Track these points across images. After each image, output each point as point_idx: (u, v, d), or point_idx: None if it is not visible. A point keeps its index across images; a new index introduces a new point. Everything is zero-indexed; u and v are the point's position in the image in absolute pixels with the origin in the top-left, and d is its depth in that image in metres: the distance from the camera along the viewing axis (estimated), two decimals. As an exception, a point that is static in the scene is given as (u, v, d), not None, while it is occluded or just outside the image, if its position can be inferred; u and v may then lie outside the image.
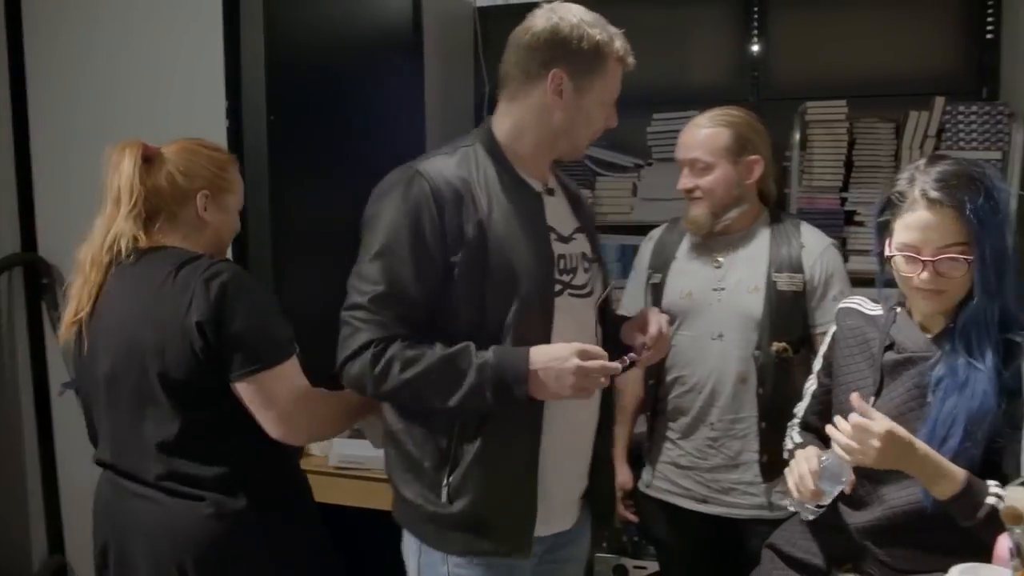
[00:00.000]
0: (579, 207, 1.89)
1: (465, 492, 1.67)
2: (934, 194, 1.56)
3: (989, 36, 3.34)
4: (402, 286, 1.62)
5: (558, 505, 1.79)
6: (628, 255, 3.40)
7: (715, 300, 2.23)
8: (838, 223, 3.12)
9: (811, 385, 1.91)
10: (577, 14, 1.69)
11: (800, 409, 1.92)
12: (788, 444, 1.89)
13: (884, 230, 1.67)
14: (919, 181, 1.59)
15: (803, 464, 1.61)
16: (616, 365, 1.64)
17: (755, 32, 3.57)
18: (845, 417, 1.72)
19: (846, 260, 2.99)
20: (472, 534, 1.68)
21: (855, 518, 1.69)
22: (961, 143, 3.00)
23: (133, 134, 2.68)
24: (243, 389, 1.71)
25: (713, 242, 2.28)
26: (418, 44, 3.35)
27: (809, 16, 3.53)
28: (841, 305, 1.89)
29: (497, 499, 1.68)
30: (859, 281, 2.50)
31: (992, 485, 1.48)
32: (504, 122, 1.74)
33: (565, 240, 1.78)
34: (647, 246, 2.45)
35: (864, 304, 1.83)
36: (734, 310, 2.21)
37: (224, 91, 2.57)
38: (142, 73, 2.73)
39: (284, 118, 2.61)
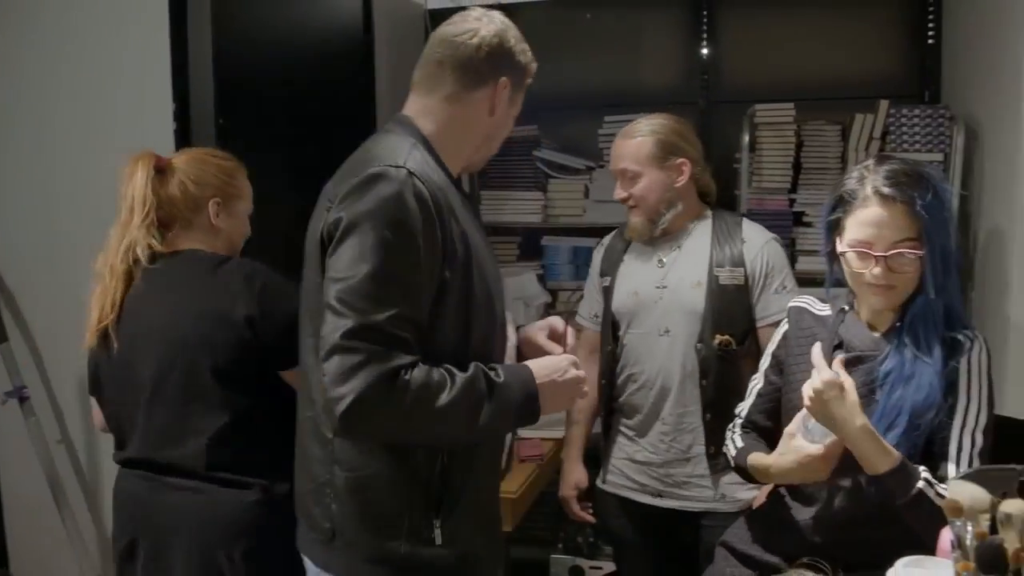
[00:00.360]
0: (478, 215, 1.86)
1: (460, 531, 1.58)
2: (886, 190, 1.61)
3: (931, 41, 3.43)
4: (413, 303, 1.46)
5: None
6: (580, 257, 3.43)
7: (659, 297, 2.32)
8: (787, 224, 3.17)
9: (757, 384, 1.93)
10: (509, 23, 1.69)
11: (743, 408, 1.94)
12: (730, 448, 1.90)
13: (834, 229, 1.71)
14: (870, 179, 1.64)
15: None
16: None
17: (705, 36, 3.62)
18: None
19: (795, 261, 3.05)
20: (467, 573, 1.63)
21: (806, 514, 1.72)
22: (905, 145, 3.06)
23: (76, 137, 2.66)
24: (294, 377, 1.77)
25: (656, 243, 2.37)
26: (369, 46, 3.33)
27: (758, 20, 3.59)
28: (792, 304, 1.92)
29: (487, 534, 1.67)
30: (808, 281, 2.55)
31: (923, 470, 1.53)
32: (429, 122, 1.64)
33: None
34: (598, 253, 2.54)
35: (813, 304, 1.86)
36: (677, 305, 2.29)
37: (171, 93, 2.52)
38: (85, 75, 2.67)
39: (234, 121, 2.57)
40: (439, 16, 3.81)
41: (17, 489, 2.98)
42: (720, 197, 2.56)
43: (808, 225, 3.19)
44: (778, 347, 1.90)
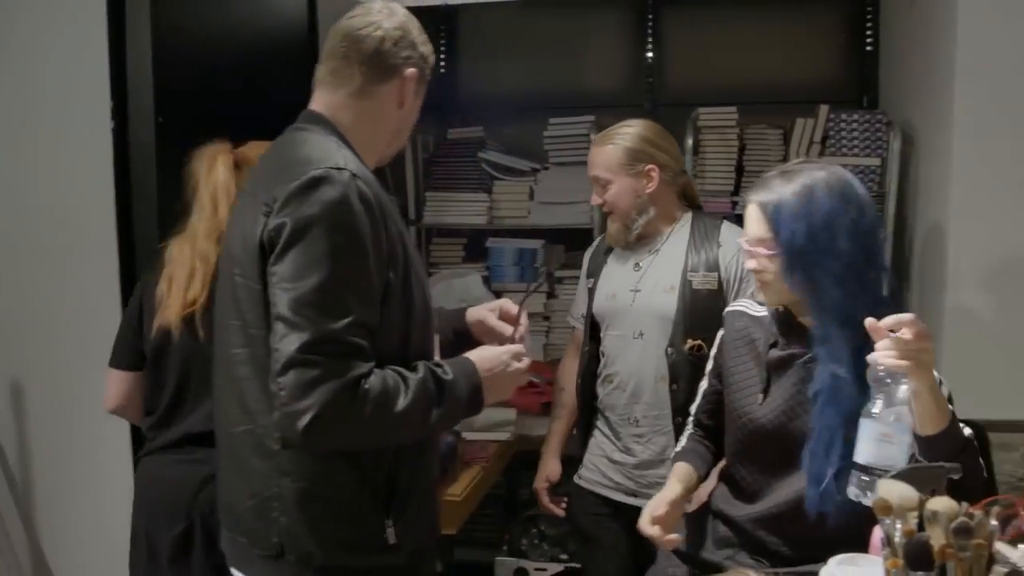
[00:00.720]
0: None
1: (410, 529, 1.57)
2: (750, 194, 1.69)
3: (869, 48, 3.50)
4: (367, 308, 1.44)
5: None
6: (526, 259, 3.44)
7: (633, 300, 2.34)
8: (730, 226, 3.21)
9: (703, 385, 1.97)
10: (409, 14, 1.67)
11: (693, 408, 1.99)
12: (677, 445, 1.96)
13: None
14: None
15: None
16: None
17: (650, 39, 3.65)
18: (737, 419, 1.78)
19: (738, 262, 3.07)
20: (418, 570, 1.62)
21: (747, 510, 1.74)
22: (844, 150, 3.11)
23: (8, 136, 2.58)
24: None
25: (635, 247, 2.39)
26: (314, 45, 3.30)
27: (702, 25, 3.65)
28: (728, 308, 1.95)
29: (432, 530, 1.67)
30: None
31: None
32: (342, 119, 1.60)
33: None
34: (587, 254, 2.59)
35: (751, 306, 1.89)
36: (650, 309, 2.30)
37: (109, 91, 2.47)
38: (19, 71, 2.59)
39: (174, 120, 2.53)
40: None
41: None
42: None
43: (750, 227, 3.22)
44: (717, 351, 1.93)
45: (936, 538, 1.09)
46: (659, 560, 1.89)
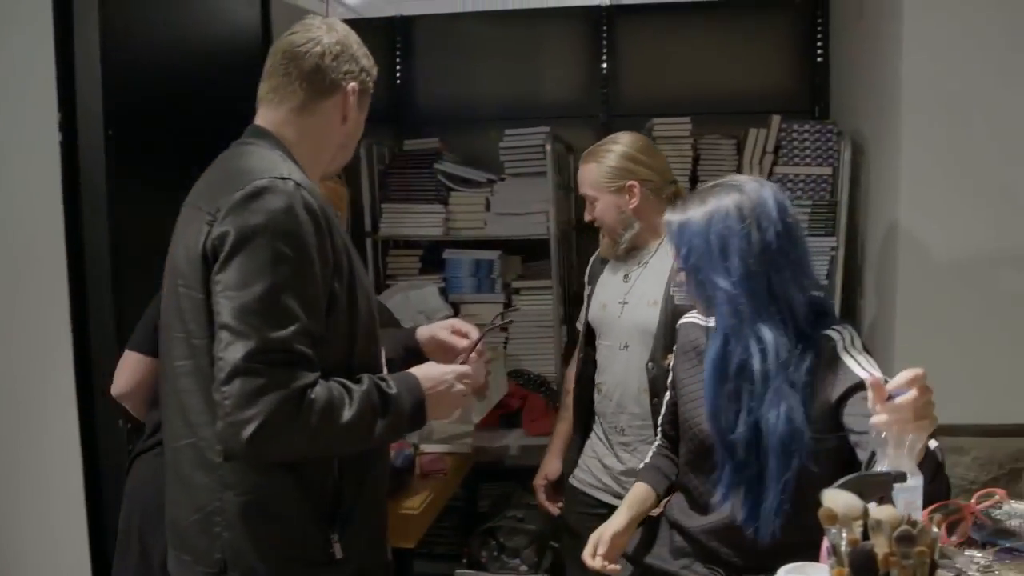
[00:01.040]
0: None
1: (356, 543, 1.56)
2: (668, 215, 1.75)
3: (820, 59, 3.55)
4: (312, 317, 1.43)
5: None
6: (482, 270, 3.43)
7: (620, 312, 2.38)
8: (684, 236, 3.23)
9: (667, 396, 2.00)
10: (349, 30, 1.68)
11: (660, 419, 2.02)
12: (644, 460, 2.02)
13: None
14: None
15: None
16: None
17: (605, 51, 3.68)
18: (688, 430, 1.79)
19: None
20: None
21: (700, 521, 1.76)
22: (796, 159, 3.15)
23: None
24: None
25: (627, 258, 2.43)
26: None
27: (656, 37, 3.69)
28: (681, 320, 1.97)
29: (379, 544, 1.66)
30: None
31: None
32: (286, 134, 1.61)
33: None
34: (591, 262, 2.62)
35: (702, 317, 1.90)
36: (635, 322, 2.34)
37: (56, 102, 2.43)
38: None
39: (124, 132, 2.49)
40: (339, 27, 3.85)
41: None
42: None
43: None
44: (673, 363, 1.95)
45: (880, 546, 1.10)
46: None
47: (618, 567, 1.81)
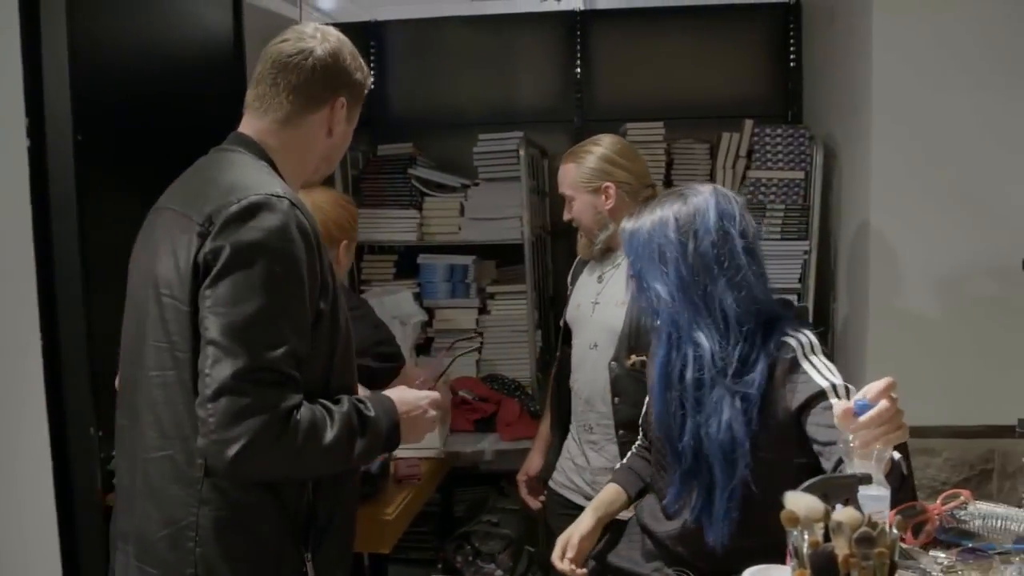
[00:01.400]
0: None
1: (328, 562, 1.55)
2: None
3: (792, 64, 3.58)
4: (301, 338, 1.43)
5: None
6: (456, 275, 3.43)
7: (592, 312, 2.40)
8: (658, 240, 3.24)
9: (647, 397, 1.98)
10: (344, 39, 1.65)
11: (641, 419, 2.02)
12: (622, 460, 2.04)
13: None
14: None
15: None
16: None
17: (579, 56, 3.69)
18: (652, 432, 1.80)
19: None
20: None
21: (667, 526, 1.76)
22: (769, 163, 3.17)
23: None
24: None
25: (602, 259, 2.46)
26: (239, 61, 3.27)
27: (629, 42, 3.70)
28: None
29: (347, 563, 1.65)
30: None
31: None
32: (271, 142, 1.60)
33: None
34: (574, 264, 2.64)
35: None
36: (603, 322, 2.35)
37: (24, 107, 2.40)
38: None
39: (94, 138, 2.47)
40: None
41: None
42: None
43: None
44: (648, 365, 1.96)
45: (840, 548, 1.11)
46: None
47: (585, 571, 1.83)
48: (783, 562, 1.38)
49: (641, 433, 2.02)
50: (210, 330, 1.37)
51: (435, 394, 1.67)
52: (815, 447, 1.56)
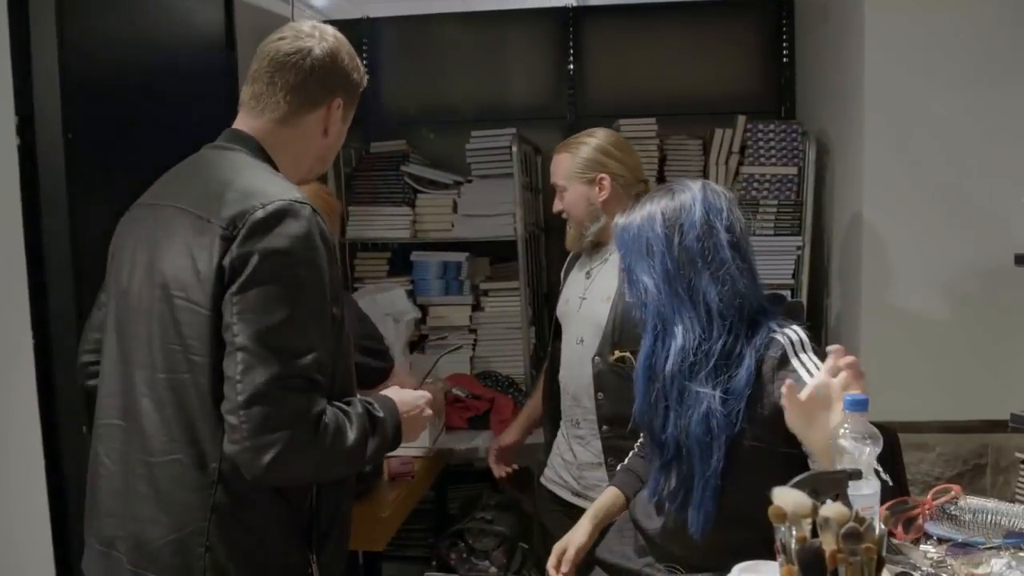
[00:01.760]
0: None
1: (332, 565, 1.57)
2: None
3: (785, 59, 3.58)
4: (325, 344, 1.45)
5: None
6: (450, 272, 3.43)
7: (579, 307, 2.39)
8: (651, 236, 3.25)
9: None
10: (341, 39, 1.64)
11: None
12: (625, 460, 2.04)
13: None
14: None
15: None
16: None
17: (572, 52, 3.69)
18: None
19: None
20: None
21: (657, 523, 1.76)
22: (762, 159, 3.17)
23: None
24: None
25: (591, 254, 2.45)
26: (231, 59, 3.26)
27: (622, 38, 3.70)
28: None
29: (344, 563, 1.65)
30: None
31: None
32: (268, 141, 1.59)
33: None
34: (567, 260, 2.63)
35: None
36: (589, 318, 2.34)
37: (13, 105, 2.39)
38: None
39: (84, 136, 2.46)
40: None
41: None
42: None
43: (671, 237, 3.27)
44: None
45: (828, 544, 1.11)
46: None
47: None
48: (772, 557, 1.38)
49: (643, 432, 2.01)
50: (240, 336, 1.37)
51: (428, 395, 1.69)
52: (804, 447, 1.56)
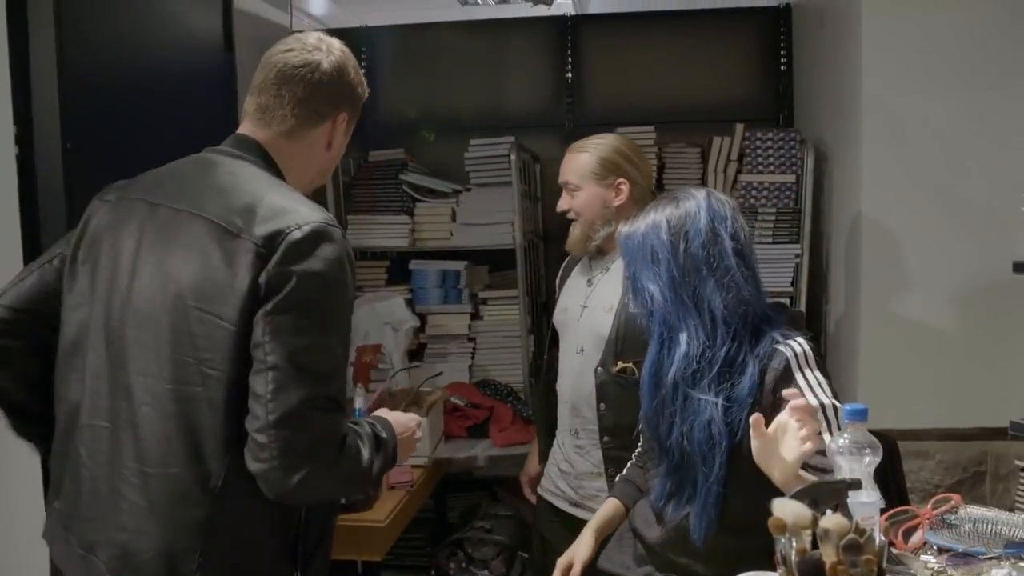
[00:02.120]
0: None
1: (315, 573, 1.58)
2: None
3: (783, 67, 3.59)
4: (346, 364, 1.50)
5: None
6: (448, 280, 3.43)
7: (580, 316, 2.36)
8: (650, 245, 3.25)
9: None
10: (347, 52, 1.65)
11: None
12: (623, 471, 2.04)
13: None
14: None
15: None
16: None
17: (570, 61, 3.69)
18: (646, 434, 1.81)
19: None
20: None
21: (655, 531, 1.76)
22: (760, 167, 3.17)
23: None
24: None
25: (594, 262, 2.41)
26: (231, 67, 3.27)
27: (620, 46, 3.71)
28: None
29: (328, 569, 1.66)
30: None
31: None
32: (276, 154, 1.59)
33: None
34: (562, 267, 2.60)
35: None
36: (590, 327, 2.31)
37: (11, 115, 2.39)
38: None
39: (83, 146, 2.46)
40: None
41: None
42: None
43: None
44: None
45: (828, 555, 1.10)
46: None
47: None
48: (773, 566, 1.38)
49: (642, 441, 2.00)
50: (272, 355, 1.37)
51: (418, 416, 1.74)
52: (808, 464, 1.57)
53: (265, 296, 1.39)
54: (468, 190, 3.46)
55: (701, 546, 1.64)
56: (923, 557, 1.55)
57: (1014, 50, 2.63)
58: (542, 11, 3.67)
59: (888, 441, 1.99)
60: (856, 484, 1.33)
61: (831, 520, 1.13)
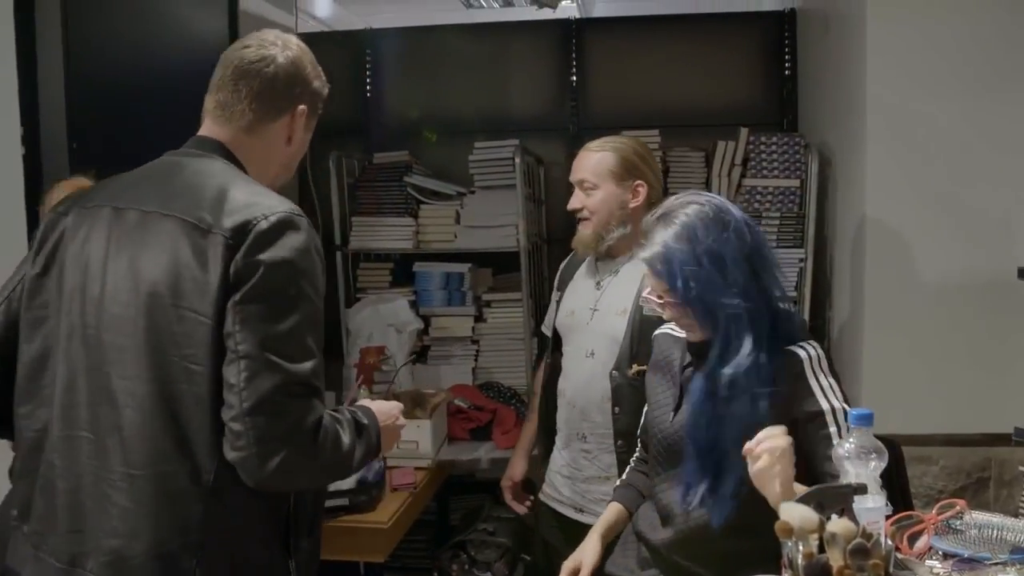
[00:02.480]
0: None
1: (310, 567, 1.59)
2: (639, 251, 1.75)
3: (787, 72, 3.59)
4: (321, 351, 1.48)
5: None
6: (452, 283, 3.43)
7: (589, 319, 2.34)
8: (654, 248, 3.25)
9: (645, 407, 1.98)
10: (304, 48, 1.65)
11: (639, 429, 2.02)
12: (622, 476, 2.04)
13: None
14: None
15: None
16: None
17: (574, 64, 3.70)
18: (653, 438, 1.81)
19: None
20: None
21: (663, 535, 1.76)
22: (764, 171, 3.17)
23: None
24: None
25: (601, 264, 2.39)
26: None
27: (625, 50, 3.71)
28: (657, 331, 1.97)
29: (318, 565, 1.66)
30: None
31: None
32: (236, 150, 1.60)
33: None
34: (561, 267, 2.58)
35: (676, 328, 1.90)
36: (602, 330, 2.29)
37: (19, 115, 2.40)
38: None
39: (88, 146, 2.47)
40: (309, 41, 3.83)
41: None
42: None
43: (674, 249, 3.27)
44: (647, 372, 1.96)
45: (835, 559, 1.10)
46: None
47: None
48: (778, 566, 1.38)
49: (640, 444, 2.01)
50: (243, 344, 1.38)
51: (401, 405, 1.74)
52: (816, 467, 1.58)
53: (234, 286, 1.41)
54: (472, 193, 3.46)
55: (718, 533, 1.63)
56: (928, 562, 1.55)
57: (1019, 55, 2.63)
58: (547, 14, 3.68)
59: (893, 446, 1.98)
60: (862, 489, 1.33)
61: (838, 524, 1.13)
